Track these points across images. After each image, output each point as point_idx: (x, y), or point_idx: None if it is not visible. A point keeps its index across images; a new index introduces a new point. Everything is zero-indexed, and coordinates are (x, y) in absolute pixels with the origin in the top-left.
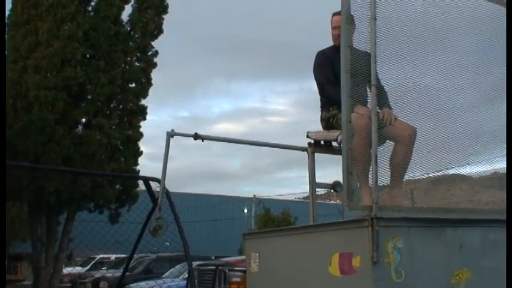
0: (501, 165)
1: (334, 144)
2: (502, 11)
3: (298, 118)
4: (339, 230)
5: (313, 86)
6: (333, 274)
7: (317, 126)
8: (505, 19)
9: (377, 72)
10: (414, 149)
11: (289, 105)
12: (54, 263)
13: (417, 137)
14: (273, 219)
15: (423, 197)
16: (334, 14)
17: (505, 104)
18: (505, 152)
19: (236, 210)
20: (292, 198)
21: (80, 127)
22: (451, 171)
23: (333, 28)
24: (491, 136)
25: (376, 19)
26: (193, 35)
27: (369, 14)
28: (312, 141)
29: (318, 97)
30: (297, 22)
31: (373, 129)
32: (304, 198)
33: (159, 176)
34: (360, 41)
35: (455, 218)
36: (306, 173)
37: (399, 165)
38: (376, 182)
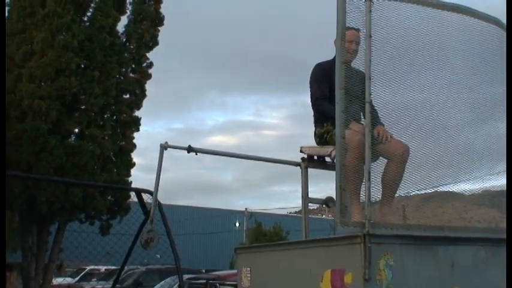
0: (492, 183)
1: (328, 159)
2: (495, 29)
3: (291, 132)
4: (331, 246)
5: (307, 100)
6: None
7: (310, 140)
8: (498, 38)
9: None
10: (406, 165)
11: (283, 119)
12: (44, 273)
13: (409, 154)
14: (265, 233)
15: (415, 214)
16: (349, 29)
17: (497, 122)
18: (496, 170)
19: (228, 223)
20: (284, 212)
21: (73, 137)
22: (442, 189)
23: (350, 42)
24: (483, 154)
25: (371, 37)
26: (188, 48)
27: (364, 31)
28: (305, 156)
29: (311, 111)
30: (292, 36)
31: (367, 145)
32: (296, 212)
33: (151, 187)
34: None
35: (447, 236)
36: (298, 187)
37: (391, 183)
38: (369, 198)
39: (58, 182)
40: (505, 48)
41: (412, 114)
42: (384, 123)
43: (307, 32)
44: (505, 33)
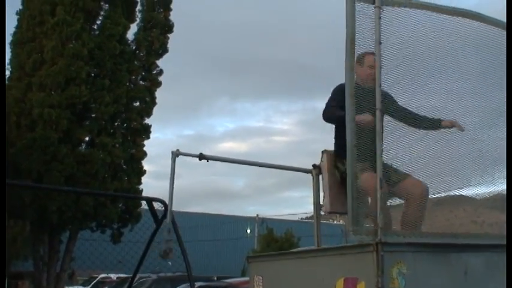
0: (504, 187)
1: None
2: (503, 34)
3: (301, 138)
4: (343, 254)
5: (317, 105)
6: None
7: (320, 145)
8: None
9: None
10: (418, 171)
11: (293, 125)
12: (55, 282)
13: (421, 160)
14: (276, 239)
15: (426, 219)
16: (370, 54)
17: (505, 128)
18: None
19: (239, 229)
20: (295, 218)
21: (84, 146)
22: (454, 193)
23: (370, 67)
24: (494, 158)
25: (381, 43)
26: (198, 55)
27: (374, 38)
28: (317, 163)
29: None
30: (302, 42)
31: (378, 154)
32: (307, 218)
33: (162, 194)
34: None
35: (460, 243)
36: (309, 192)
37: (409, 226)
38: (381, 206)
39: (69, 192)
40: None
41: None
42: (392, 130)
43: (317, 38)
44: None
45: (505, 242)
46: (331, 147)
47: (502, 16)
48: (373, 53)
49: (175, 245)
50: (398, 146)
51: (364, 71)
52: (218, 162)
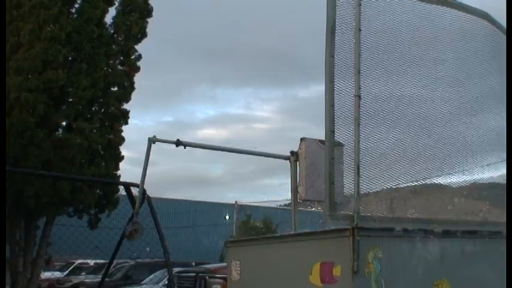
0: (479, 175)
1: None
2: (484, 23)
3: (281, 125)
4: (320, 239)
5: (298, 93)
6: (314, 283)
7: (300, 134)
8: (487, 32)
9: None
10: (395, 158)
11: (273, 112)
12: (32, 267)
13: (398, 147)
14: (254, 226)
15: (403, 206)
16: None
17: (487, 116)
18: (485, 163)
19: (218, 216)
20: (274, 205)
21: (61, 130)
22: (430, 181)
23: None
24: (472, 147)
25: (360, 30)
26: (178, 40)
27: (354, 24)
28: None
29: (303, 105)
30: (283, 30)
31: (356, 140)
32: (286, 205)
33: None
34: (344, 52)
35: (435, 229)
36: (288, 180)
37: None
38: (358, 192)
39: (46, 176)
40: (495, 42)
41: (401, 108)
42: (370, 117)
43: (299, 26)
44: (494, 27)
45: (480, 229)
46: (310, 134)
47: (489, 7)
48: None
49: (149, 229)
50: (376, 134)
51: None
52: (197, 150)
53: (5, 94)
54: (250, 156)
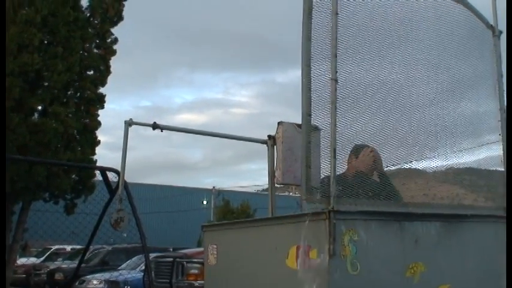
0: (456, 160)
1: None
2: (461, 8)
3: (260, 110)
4: (296, 222)
5: (276, 78)
6: (290, 267)
7: (278, 118)
8: (464, 17)
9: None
10: (372, 142)
11: (252, 97)
12: (8, 253)
13: (375, 131)
14: (232, 211)
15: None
16: (363, 147)
17: (463, 101)
18: (460, 147)
19: (195, 201)
20: (252, 190)
21: (36, 115)
22: (407, 166)
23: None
24: (448, 131)
25: (337, 14)
26: (156, 24)
27: (331, 8)
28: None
29: (281, 90)
30: (262, 14)
31: (332, 124)
32: (264, 190)
33: (118, 166)
34: (321, 35)
35: (411, 212)
36: (267, 165)
37: None
38: (334, 175)
39: (21, 161)
40: (470, 26)
41: (378, 93)
42: (347, 100)
43: (277, 10)
44: (469, 12)
45: (456, 212)
46: (288, 119)
47: None
48: (368, 145)
49: (130, 216)
50: (353, 117)
51: (357, 165)
52: (175, 134)
53: (5, 94)
54: (228, 141)
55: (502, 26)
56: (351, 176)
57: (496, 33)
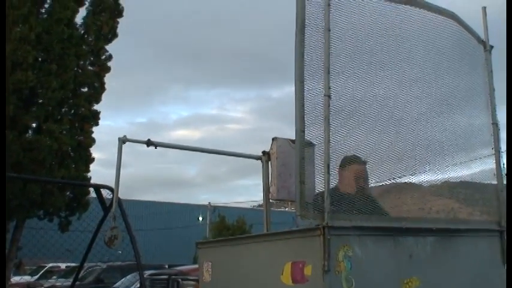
0: (450, 174)
1: None
2: (451, 23)
3: (255, 125)
4: (291, 238)
5: (271, 93)
6: (285, 283)
7: (273, 134)
8: (454, 31)
9: None
10: (367, 158)
11: (247, 113)
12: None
13: (370, 147)
14: (228, 227)
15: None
16: (354, 161)
17: (456, 115)
18: (456, 161)
19: (191, 218)
20: (248, 205)
21: (30, 132)
22: (402, 180)
23: (357, 178)
24: (443, 146)
25: (329, 30)
26: (150, 41)
27: (323, 24)
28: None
29: (277, 105)
30: (256, 30)
31: (326, 139)
32: (259, 205)
33: (112, 182)
34: (314, 51)
35: (406, 226)
36: (261, 181)
37: None
38: (328, 191)
39: (15, 179)
40: (462, 42)
41: (372, 108)
42: (340, 116)
43: (271, 27)
44: (461, 28)
45: (450, 227)
46: (284, 134)
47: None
48: (358, 161)
49: (124, 234)
50: (347, 132)
51: (347, 177)
52: (170, 151)
53: (5, 94)
54: (223, 157)
55: (493, 40)
56: (345, 189)
57: (487, 48)
